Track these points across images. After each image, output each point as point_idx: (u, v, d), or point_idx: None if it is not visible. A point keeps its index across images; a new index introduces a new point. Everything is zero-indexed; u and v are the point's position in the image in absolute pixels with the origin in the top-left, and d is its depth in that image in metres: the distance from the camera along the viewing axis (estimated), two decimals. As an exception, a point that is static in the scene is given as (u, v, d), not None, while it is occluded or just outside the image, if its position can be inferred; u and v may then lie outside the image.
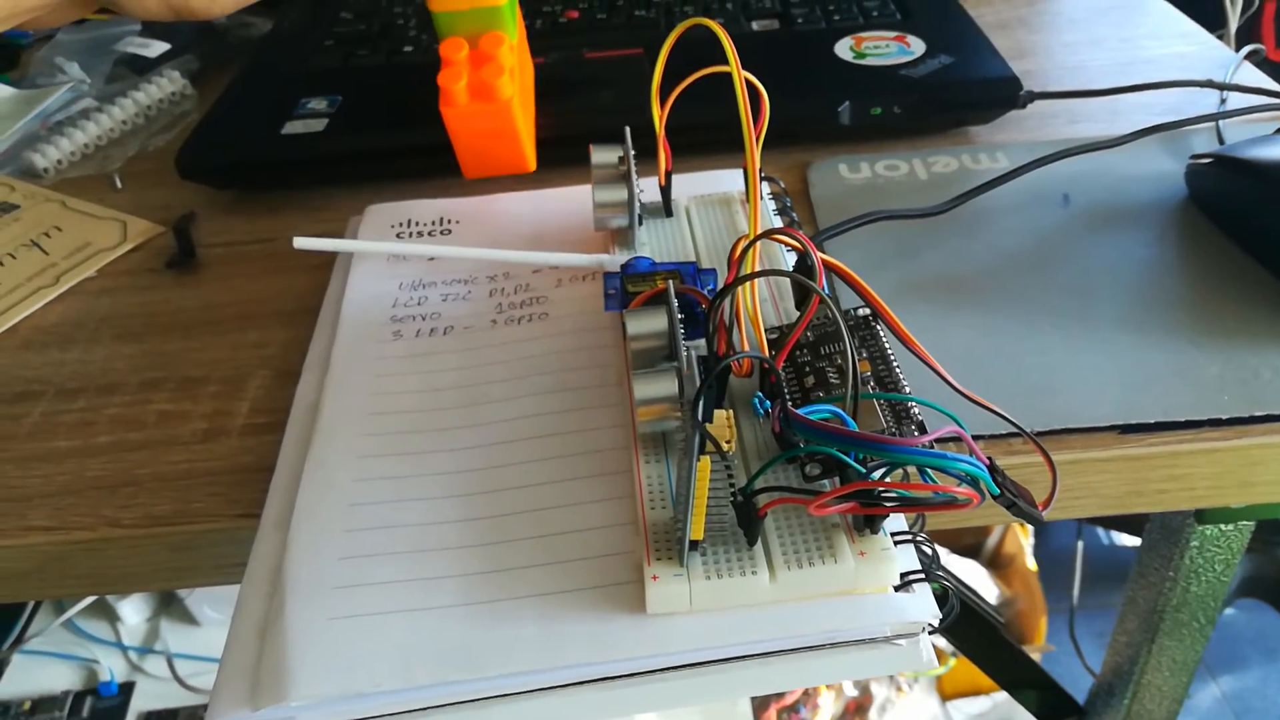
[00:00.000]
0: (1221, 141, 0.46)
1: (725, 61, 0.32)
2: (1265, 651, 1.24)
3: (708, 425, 0.24)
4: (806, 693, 0.91)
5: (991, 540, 1.14)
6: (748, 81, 0.32)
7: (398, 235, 0.42)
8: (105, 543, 0.33)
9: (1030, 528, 1.15)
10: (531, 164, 0.44)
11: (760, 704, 0.88)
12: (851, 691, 0.93)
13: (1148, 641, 0.46)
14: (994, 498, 0.24)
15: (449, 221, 0.42)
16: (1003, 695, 1.02)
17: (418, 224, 0.42)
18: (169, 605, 0.89)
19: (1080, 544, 0.91)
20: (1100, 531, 1.35)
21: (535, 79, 0.50)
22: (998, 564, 1.14)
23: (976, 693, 1.02)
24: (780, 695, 0.90)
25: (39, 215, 0.49)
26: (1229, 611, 1.26)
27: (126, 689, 0.83)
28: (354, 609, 0.27)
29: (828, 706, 0.92)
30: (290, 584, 0.27)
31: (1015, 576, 1.12)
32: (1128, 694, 0.50)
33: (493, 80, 0.40)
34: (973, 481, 0.23)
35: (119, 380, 0.39)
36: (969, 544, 1.15)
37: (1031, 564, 1.11)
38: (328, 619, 0.26)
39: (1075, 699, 0.58)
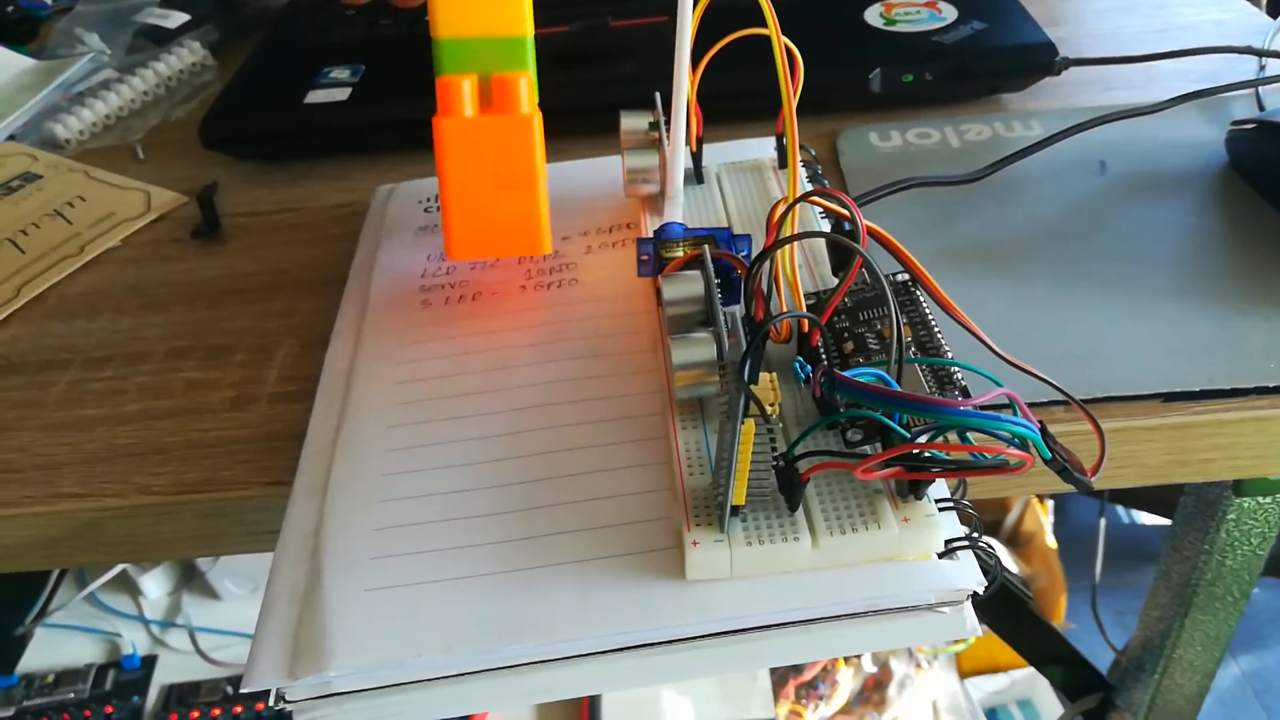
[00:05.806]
0: (1262, 108, 0.45)
1: (751, 29, 0.31)
2: (1286, 631, 1.24)
3: (752, 387, 0.23)
4: (825, 669, 0.91)
5: (1010, 518, 1.14)
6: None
7: (425, 210, 0.41)
8: (136, 510, 0.32)
9: (1050, 505, 1.14)
10: (548, 243, 0.35)
11: (779, 680, 0.88)
12: (870, 668, 0.93)
13: (1180, 615, 0.46)
14: (1045, 461, 0.23)
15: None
16: (1021, 672, 1.01)
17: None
18: (190, 579, 0.89)
19: (1103, 522, 0.91)
20: (1120, 510, 1.35)
21: (559, 48, 0.49)
22: (1017, 542, 1.13)
23: (995, 670, 1.02)
24: (799, 672, 0.90)
25: (62, 185, 0.49)
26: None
27: (149, 662, 0.84)
28: (391, 579, 0.26)
29: (846, 683, 0.91)
30: (327, 556, 0.27)
31: (1035, 554, 1.11)
32: (1158, 669, 0.49)
33: (512, 87, 0.32)
34: (1022, 444, 0.23)
35: (146, 349, 0.38)
36: (987, 521, 1.14)
37: (1051, 542, 1.11)
38: (365, 590, 0.26)
39: (1103, 674, 0.58)
